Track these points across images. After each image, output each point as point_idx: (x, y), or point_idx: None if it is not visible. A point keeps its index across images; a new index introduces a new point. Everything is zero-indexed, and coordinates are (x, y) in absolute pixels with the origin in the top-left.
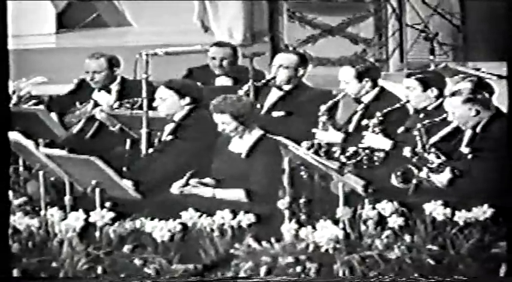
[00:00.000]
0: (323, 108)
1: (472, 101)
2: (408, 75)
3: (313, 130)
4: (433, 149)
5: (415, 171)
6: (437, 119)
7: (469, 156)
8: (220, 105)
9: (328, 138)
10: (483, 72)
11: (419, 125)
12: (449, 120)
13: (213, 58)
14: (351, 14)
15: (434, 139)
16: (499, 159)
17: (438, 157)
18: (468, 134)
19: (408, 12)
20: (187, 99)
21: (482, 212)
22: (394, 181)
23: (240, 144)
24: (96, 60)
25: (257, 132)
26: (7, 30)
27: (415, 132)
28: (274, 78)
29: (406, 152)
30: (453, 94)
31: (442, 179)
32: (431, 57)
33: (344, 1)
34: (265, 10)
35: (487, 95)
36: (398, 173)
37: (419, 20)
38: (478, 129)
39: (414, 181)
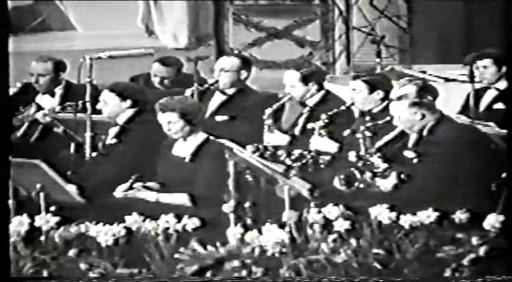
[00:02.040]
0: (268, 111)
1: (418, 105)
2: (354, 78)
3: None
4: (378, 154)
5: (358, 175)
6: (380, 122)
7: (415, 160)
8: (168, 104)
9: (274, 141)
10: (430, 74)
11: (362, 128)
12: (394, 124)
13: (155, 75)
14: (298, 16)
15: (379, 143)
16: (445, 162)
17: (384, 161)
18: (413, 137)
19: (355, 15)
20: (129, 102)
21: (427, 216)
22: (337, 184)
23: (184, 148)
24: (43, 64)
25: (201, 136)
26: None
27: (359, 136)
28: (217, 82)
29: (352, 155)
30: (399, 98)
31: (387, 183)
32: (378, 60)
33: (290, 4)
34: (210, 13)
35: (432, 99)
36: (342, 177)
37: (367, 22)
38: (424, 133)
39: (357, 184)
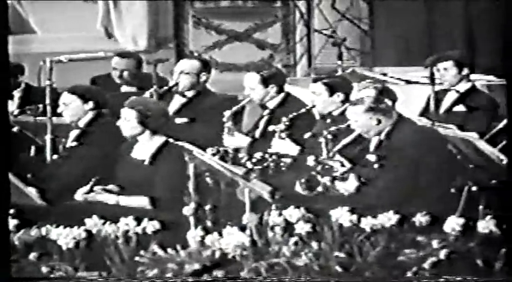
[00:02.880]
0: (227, 114)
1: (373, 110)
2: (315, 80)
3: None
4: (337, 156)
5: (319, 178)
6: (343, 126)
7: (378, 163)
8: (133, 101)
9: (234, 144)
10: (391, 77)
11: (325, 132)
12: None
13: (114, 68)
14: (258, 19)
15: (339, 146)
16: (405, 165)
17: (343, 165)
18: (374, 141)
19: (316, 18)
20: (91, 104)
21: (388, 218)
22: (298, 188)
23: (143, 151)
24: None
25: (160, 139)
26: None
27: (321, 139)
28: (176, 84)
29: (311, 159)
30: (355, 103)
31: (348, 186)
32: (339, 62)
33: (251, 6)
34: (170, 16)
35: (389, 103)
36: (303, 180)
37: (328, 25)
38: (381, 137)
39: (318, 188)
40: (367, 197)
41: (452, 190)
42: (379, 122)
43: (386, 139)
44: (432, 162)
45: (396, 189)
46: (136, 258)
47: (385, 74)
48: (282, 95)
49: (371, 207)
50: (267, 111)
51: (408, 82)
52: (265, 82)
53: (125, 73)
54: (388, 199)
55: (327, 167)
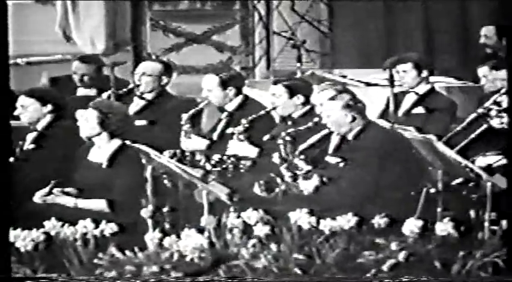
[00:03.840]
0: (185, 116)
1: (350, 107)
2: (275, 82)
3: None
4: (302, 156)
5: (278, 180)
6: (302, 128)
7: (337, 165)
8: (96, 103)
9: (192, 146)
10: (351, 79)
11: (283, 134)
12: (317, 128)
13: (75, 72)
14: (217, 22)
15: (303, 146)
16: (367, 167)
17: (307, 164)
18: (334, 142)
19: (276, 20)
20: (50, 107)
21: (347, 220)
22: (257, 190)
23: (100, 154)
24: None
25: (116, 142)
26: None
27: (279, 141)
28: (137, 86)
29: (272, 160)
30: (332, 98)
31: (308, 186)
32: (299, 64)
33: (210, 9)
34: (128, 19)
35: (363, 104)
36: (261, 182)
37: (287, 27)
38: (349, 137)
39: (277, 190)
40: (327, 199)
41: (412, 192)
42: (354, 119)
43: (354, 139)
44: (392, 164)
45: (356, 190)
46: (95, 261)
47: (344, 76)
48: (241, 97)
49: (331, 208)
50: (225, 114)
51: (368, 84)
52: (224, 84)
53: (85, 78)
54: (348, 200)
55: (289, 167)
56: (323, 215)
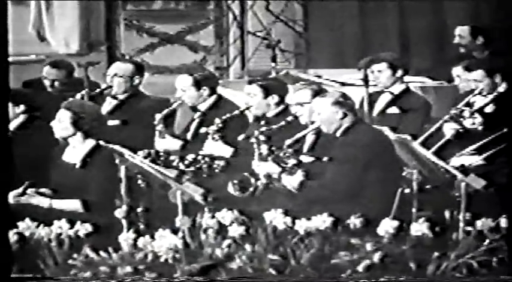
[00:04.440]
0: (159, 116)
1: (341, 104)
2: (249, 82)
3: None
4: (289, 150)
5: (252, 180)
6: (275, 127)
7: (324, 161)
8: (69, 103)
9: (166, 146)
10: (326, 79)
11: (256, 133)
12: (291, 126)
13: (45, 77)
14: (191, 22)
15: (291, 140)
16: (350, 165)
17: (293, 158)
18: (309, 140)
19: (250, 20)
20: (22, 107)
21: (323, 221)
22: (231, 189)
23: (74, 154)
24: None
25: (90, 142)
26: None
27: (253, 140)
28: (110, 87)
29: (247, 160)
30: (323, 95)
31: (293, 181)
32: (273, 64)
33: (183, 9)
34: (102, 19)
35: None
36: (236, 182)
37: (262, 27)
38: (337, 134)
39: (251, 189)
40: (307, 195)
41: (388, 193)
42: (345, 115)
43: (342, 136)
44: (373, 164)
45: (342, 189)
46: (69, 261)
47: (319, 76)
48: (214, 97)
49: (307, 208)
50: (198, 114)
51: (342, 84)
52: (197, 84)
53: (56, 82)
54: (329, 199)
55: (280, 156)
56: (298, 215)
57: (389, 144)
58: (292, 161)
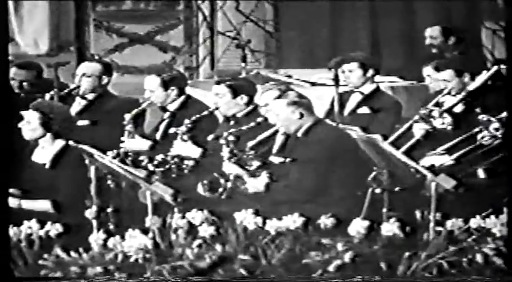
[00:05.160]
0: (128, 116)
1: (297, 104)
2: (218, 83)
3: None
4: (251, 153)
5: (222, 180)
6: (244, 128)
7: (287, 162)
8: (37, 104)
9: (135, 147)
10: (296, 79)
11: (225, 134)
12: (260, 127)
13: (13, 79)
14: (160, 22)
15: (253, 142)
16: (315, 165)
17: (255, 161)
18: (279, 141)
19: (220, 20)
20: None
21: (293, 221)
22: (200, 190)
23: (44, 155)
24: None
25: (60, 142)
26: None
27: (222, 141)
28: (78, 87)
29: (216, 160)
30: (279, 97)
31: (258, 184)
32: (243, 64)
33: (153, 10)
34: (71, 20)
35: (310, 100)
36: (205, 182)
37: (232, 27)
38: (299, 134)
39: (221, 190)
40: (274, 197)
41: (358, 192)
42: (302, 116)
43: (304, 136)
44: (343, 165)
45: (304, 189)
46: (40, 262)
47: (290, 76)
48: (183, 97)
49: (277, 207)
50: (167, 114)
51: (313, 84)
52: (166, 85)
53: (25, 83)
54: (296, 199)
55: (233, 166)
56: (269, 215)
57: (354, 143)
58: (256, 163)
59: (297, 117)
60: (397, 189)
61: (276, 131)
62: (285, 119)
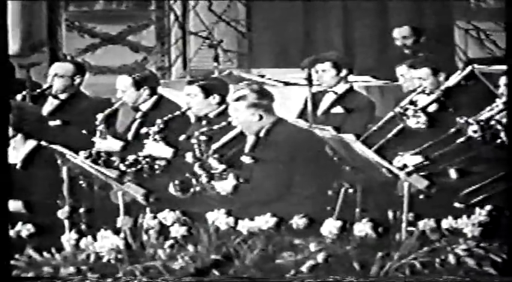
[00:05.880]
0: (100, 116)
1: (256, 106)
2: (189, 83)
3: (94, 139)
4: (216, 156)
5: (193, 180)
6: (215, 127)
7: (252, 163)
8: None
9: (107, 147)
10: (269, 78)
11: (197, 133)
12: (233, 126)
13: None
14: (132, 22)
15: (217, 145)
16: (281, 165)
17: (221, 164)
18: (251, 140)
19: (192, 20)
20: None
21: (265, 221)
22: (172, 190)
23: (15, 155)
24: None
25: (31, 143)
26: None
27: (194, 140)
28: (50, 87)
29: (188, 160)
30: (237, 99)
31: (226, 186)
32: (216, 64)
33: (125, 10)
34: (43, 20)
35: (270, 101)
36: (177, 182)
37: (204, 27)
38: (261, 135)
39: (193, 190)
40: (243, 198)
41: (330, 192)
42: (261, 117)
43: (266, 136)
44: (309, 164)
45: (273, 190)
46: (12, 262)
47: (262, 76)
48: (155, 97)
49: (247, 208)
50: (139, 114)
51: (286, 84)
52: (137, 85)
53: None
54: (265, 200)
55: (204, 167)
56: (240, 215)
57: (319, 142)
58: (221, 166)
59: (256, 119)
60: (369, 187)
61: (241, 133)
62: (244, 121)
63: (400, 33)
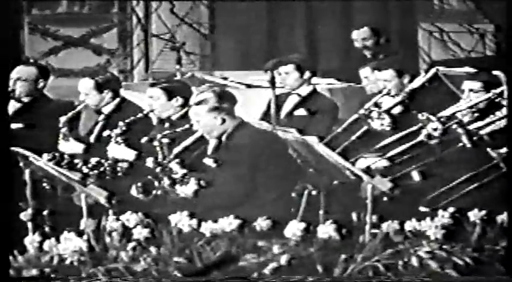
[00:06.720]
0: (63, 119)
1: (217, 109)
2: (152, 85)
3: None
4: (177, 160)
5: (156, 182)
6: (178, 130)
7: (214, 166)
8: None
9: (70, 149)
10: (231, 81)
11: (159, 136)
12: (195, 130)
13: None
14: (95, 25)
15: (178, 149)
16: (243, 168)
17: (182, 167)
18: (212, 143)
19: (155, 23)
20: None
21: (229, 223)
22: (134, 192)
23: None
24: None
25: None
26: None
27: (156, 143)
28: (13, 91)
29: (150, 162)
30: (198, 103)
31: (187, 190)
32: (178, 66)
33: (87, 13)
34: (6, 24)
35: (233, 104)
36: (139, 184)
37: (166, 29)
38: (223, 139)
39: (155, 192)
40: (206, 201)
41: (293, 194)
42: (224, 121)
43: (227, 140)
44: (272, 166)
45: (236, 193)
46: None
47: (225, 78)
48: (117, 100)
49: (210, 211)
50: (102, 117)
51: (249, 86)
52: (99, 87)
53: None
54: (228, 202)
55: (166, 169)
56: (204, 218)
57: (281, 144)
58: (181, 171)
59: (219, 123)
60: (333, 188)
61: (201, 137)
62: (205, 125)
63: (359, 35)
